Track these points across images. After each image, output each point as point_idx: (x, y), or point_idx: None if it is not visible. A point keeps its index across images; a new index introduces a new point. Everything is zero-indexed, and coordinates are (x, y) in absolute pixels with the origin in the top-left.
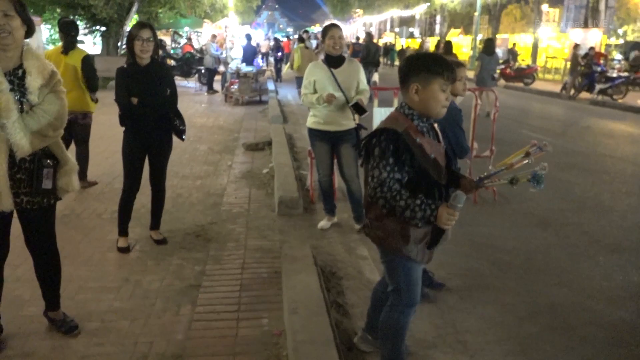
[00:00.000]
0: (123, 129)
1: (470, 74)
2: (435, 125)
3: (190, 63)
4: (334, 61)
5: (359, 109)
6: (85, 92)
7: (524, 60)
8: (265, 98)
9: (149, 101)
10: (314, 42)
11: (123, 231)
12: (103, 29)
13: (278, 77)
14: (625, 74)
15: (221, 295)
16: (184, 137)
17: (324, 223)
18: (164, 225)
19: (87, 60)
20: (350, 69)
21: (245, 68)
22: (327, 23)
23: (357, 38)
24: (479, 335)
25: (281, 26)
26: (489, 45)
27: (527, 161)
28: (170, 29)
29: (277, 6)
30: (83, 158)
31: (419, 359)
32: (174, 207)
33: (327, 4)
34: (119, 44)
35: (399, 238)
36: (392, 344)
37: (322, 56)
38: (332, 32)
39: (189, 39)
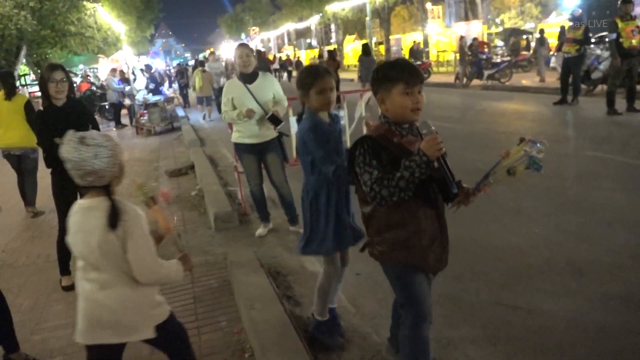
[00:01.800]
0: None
1: None
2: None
3: (91, 100)
4: (248, 77)
5: (274, 120)
6: (30, 130)
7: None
8: (177, 125)
9: None
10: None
11: (65, 270)
12: None
13: (186, 103)
14: (508, 58)
15: (178, 309)
16: None
17: (261, 230)
18: None
19: (29, 104)
20: (265, 82)
21: (152, 98)
22: (224, 44)
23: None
24: None
25: (178, 52)
26: (365, 49)
27: (524, 153)
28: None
29: (170, 33)
30: (33, 187)
31: None
32: None
33: (222, 26)
34: None
35: (403, 248)
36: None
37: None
38: (240, 52)
39: (85, 77)
